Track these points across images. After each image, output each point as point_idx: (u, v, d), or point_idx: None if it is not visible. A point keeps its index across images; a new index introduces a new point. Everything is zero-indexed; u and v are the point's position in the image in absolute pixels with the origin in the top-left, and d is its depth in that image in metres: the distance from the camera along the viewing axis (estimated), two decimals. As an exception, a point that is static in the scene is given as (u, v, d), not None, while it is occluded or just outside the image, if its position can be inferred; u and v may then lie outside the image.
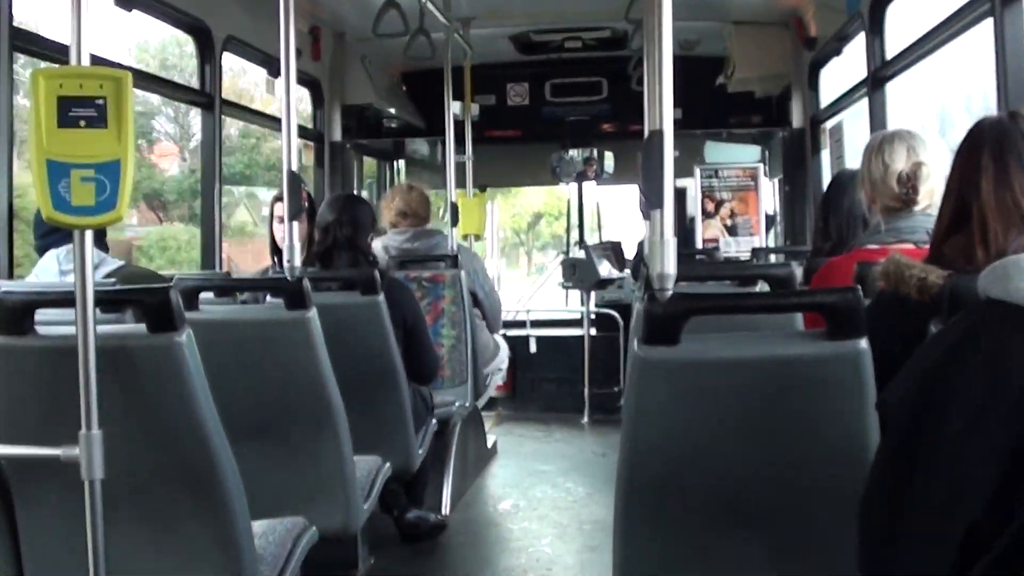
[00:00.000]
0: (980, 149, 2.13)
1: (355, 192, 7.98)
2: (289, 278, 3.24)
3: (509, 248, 32.25)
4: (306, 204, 3.71)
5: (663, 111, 2.15)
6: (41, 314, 2.35)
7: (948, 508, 1.10)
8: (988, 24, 3.70)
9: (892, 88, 5.16)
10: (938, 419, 1.14)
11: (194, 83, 5.58)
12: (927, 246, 2.71)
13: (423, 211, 5.62)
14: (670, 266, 2.13)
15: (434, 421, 4.62)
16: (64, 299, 2.28)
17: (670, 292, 2.11)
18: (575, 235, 9.59)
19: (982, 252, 2.07)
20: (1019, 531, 0.97)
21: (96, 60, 2.35)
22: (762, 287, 3.26)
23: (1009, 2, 3.55)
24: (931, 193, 2.94)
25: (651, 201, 2.14)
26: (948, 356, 1.17)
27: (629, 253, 8.11)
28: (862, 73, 5.49)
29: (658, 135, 2.14)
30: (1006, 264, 1.09)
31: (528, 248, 32.83)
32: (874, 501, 1.33)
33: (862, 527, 1.35)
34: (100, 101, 2.12)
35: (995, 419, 1.05)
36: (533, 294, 9.23)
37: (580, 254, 8.14)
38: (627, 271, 7.95)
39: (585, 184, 9.13)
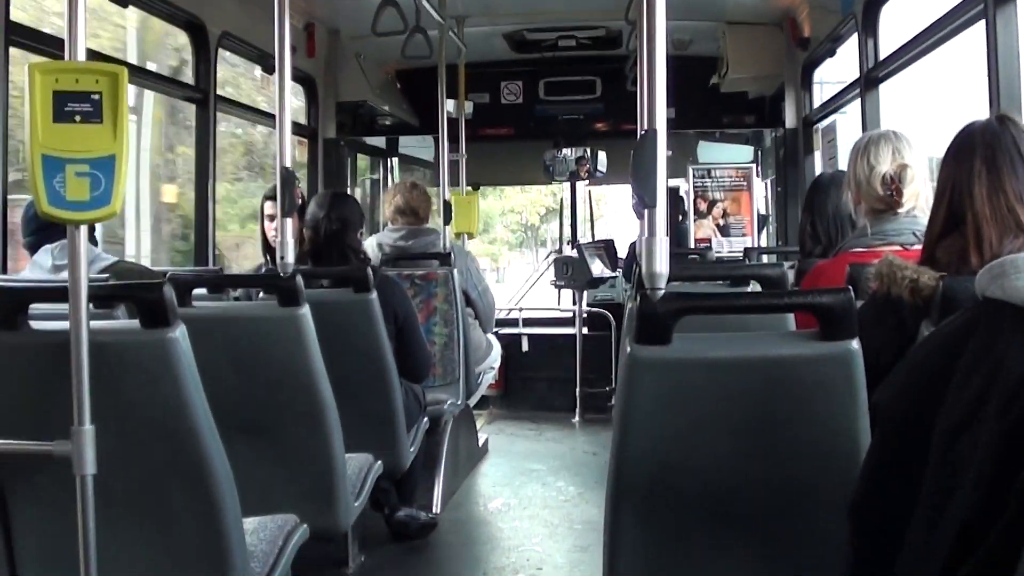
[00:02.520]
0: (972, 154, 2.14)
1: (348, 189, 7.99)
2: (282, 275, 3.24)
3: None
4: (299, 201, 3.71)
5: (656, 111, 2.16)
6: (35, 309, 2.35)
7: (940, 504, 1.11)
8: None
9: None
10: (932, 415, 1.15)
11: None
12: (914, 248, 2.73)
13: (423, 210, 5.62)
14: (662, 265, 2.13)
15: (426, 419, 4.62)
16: (58, 294, 2.27)
17: (662, 291, 2.11)
18: (568, 233, 9.58)
19: (976, 257, 2.09)
20: (1009, 527, 0.98)
21: (92, 55, 2.35)
22: (754, 287, 3.26)
23: (1002, 4, 3.56)
24: (916, 195, 2.95)
25: (643, 201, 2.14)
26: (942, 353, 1.17)
27: (622, 252, 8.12)
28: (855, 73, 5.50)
29: (650, 135, 2.15)
30: (1003, 263, 1.10)
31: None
32: (865, 500, 1.33)
33: (853, 526, 1.35)
34: (96, 96, 2.12)
35: (989, 414, 1.05)
36: (525, 294, 9.23)
37: (572, 253, 8.14)
38: (619, 270, 7.95)
39: (578, 183, 9.13)
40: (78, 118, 2.11)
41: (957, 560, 1.04)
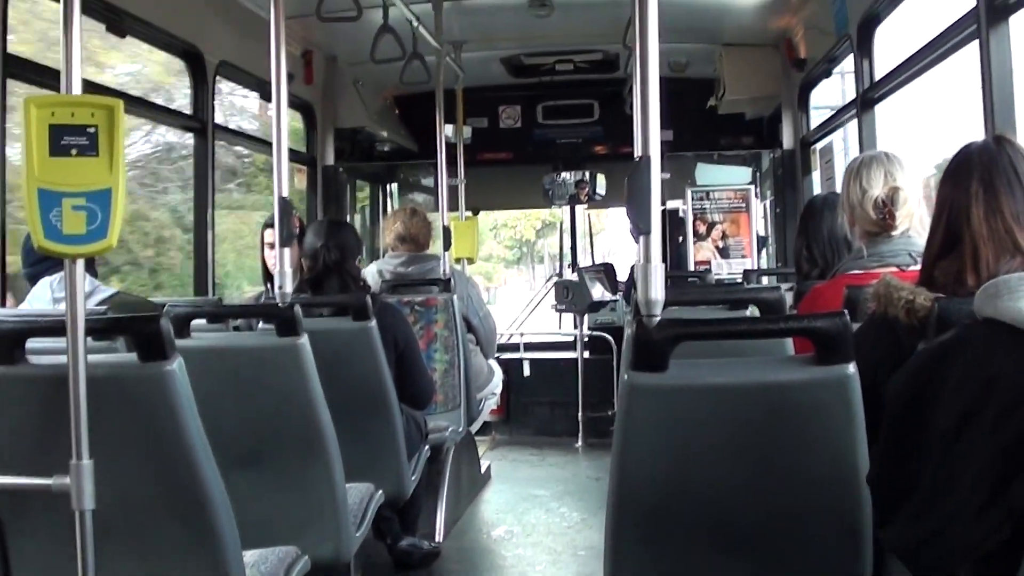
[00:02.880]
0: (969, 175, 2.14)
1: (348, 216, 7.99)
2: (280, 304, 3.24)
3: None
4: (297, 230, 3.71)
5: (649, 136, 2.16)
6: (33, 343, 2.35)
7: (945, 489, 1.13)
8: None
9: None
10: (929, 410, 1.17)
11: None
12: (911, 269, 2.74)
13: (423, 237, 5.62)
14: (658, 291, 2.13)
15: (427, 447, 4.60)
16: (56, 328, 2.27)
17: (658, 317, 2.11)
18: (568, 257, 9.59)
19: (973, 278, 2.09)
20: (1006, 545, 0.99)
21: (88, 86, 2.35)
22: (753, 311, 3.26)
23: (995, 24, 3.57)
24: (910, 216, 2.96)
25: (638, 227, 2.14)
26: (939, 360, 1.19)
27: (623, 275, 8.12)
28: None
29: (644, 162, 2.15)
30: (997, 283, 1.11)
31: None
32: (882, 470, 1.36)
33: (874, 492, 1.40)
34: (92, 129, 2.13)
35: (985, 424, 1.06)
36: (526, 318, 9.22)
37: (573, 276, 8.14)
38: (620, 294, 7.95)
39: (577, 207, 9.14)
40: (74, 151, 2.12)
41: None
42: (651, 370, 2.04)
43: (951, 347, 1.21)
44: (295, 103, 6.96)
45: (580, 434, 7.61)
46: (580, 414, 7.63)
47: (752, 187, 8.08)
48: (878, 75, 5.20)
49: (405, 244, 5.57)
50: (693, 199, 7.90)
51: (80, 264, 2.18)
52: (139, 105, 5.20)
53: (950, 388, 1.16)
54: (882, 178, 2.98)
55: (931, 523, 1.22)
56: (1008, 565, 1.03)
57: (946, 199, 2.20)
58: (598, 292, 7.74)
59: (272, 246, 4.81)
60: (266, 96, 6.28)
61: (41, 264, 3.58)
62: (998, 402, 1.06)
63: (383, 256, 5.87)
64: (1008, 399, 1.05)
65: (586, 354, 7.84)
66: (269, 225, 4.93)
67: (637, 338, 2.07)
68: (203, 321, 3.61)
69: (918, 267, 2.32)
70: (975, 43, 3.69)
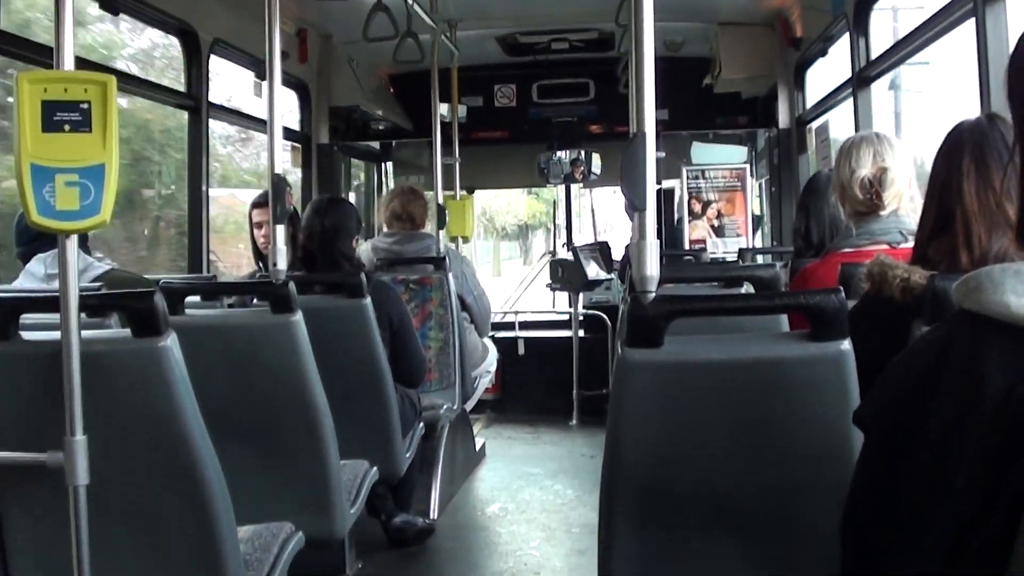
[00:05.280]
0: (961, 152, 2.15)
1: (342, 194, 7.98)
2: (275, 281, 3.24)
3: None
4: (291, 207, 3.71)
5: (644, 114, 2.16)
6: (27, 319, 2.35)
7: (930, 518, 1.11)
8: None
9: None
10: (915, 431, 1.15)
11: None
12: (902, 246, 2.74)
13: (418, 215, 5.61)
14: (653, 268, 2.14)
15: (421, 425, 4.61)
16: (49, 303, 2.27)
17: (653, 294, 2.12)
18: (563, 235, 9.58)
19: (966, 255, 2.09)
20: (993, 533, 0.98)
21: (81, 63, 2.34)
22: (748, 288, 3.26)
23: (991, 2, 3.56)
24: (898, 197, 2.96)
25: (633, 204, 2.14)
26: (924, 367, 1.17)
27: (618, 254, 8.12)
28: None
29: (640, 138, 2.15)
30: (979, 276, 1.09)
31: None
32: (857, 511, 1.33)
33: (844, 535, 1.35)
34: (85, 105, 2.12)
35: (971, 428, 1.05)
36: (520, 296, 9.22)
37: (568, 255, 8.14)
38: (615, 273, 7.95)
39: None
40: (67, 127, 2.11)
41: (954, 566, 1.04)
42: (646, 346, 2.04)
43: (936, 348, 1.18)
44: (289, 81, 6.94)
45: (575, 412, 7.62)
46: (575, 392, 7.64)
47: (747, 166, 8.09)
48: (874, 54, 5.20)
49: (400, 222, 5.56)
50: (688, 178, 7.91)
51: (73, 240, 2.18)
52: (132, 82, 5.18)
53: (940, 392, 1.14)
54: (871, 158, 2.98)
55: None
56: None
57: (938, 176, 2.20)
58: (593, 271, 7.72)
59: (260, 225, 4.82)
60: (260, 74, 6.26)
61: (34, 243, 3.57)
62: (989, 401, 1.05)
63: (377, 234, 5.85)
64: (998, 397, 1.04)
65: (581, 332, 7.85)
66: (257, 204, 4.92)
67: (632, 314, 2.07)
68: (198, 299, 3.61)
69: (909, 245, 2.33)
70: (971, 21, 3.68)
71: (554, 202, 10.11)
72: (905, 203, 2.95)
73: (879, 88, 5.28)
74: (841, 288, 2.10)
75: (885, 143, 3.01)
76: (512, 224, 32.59)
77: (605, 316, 7.84)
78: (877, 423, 1.27)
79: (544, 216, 31.29)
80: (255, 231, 4.94)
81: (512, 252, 33.74)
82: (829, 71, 6.41)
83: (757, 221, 8.04)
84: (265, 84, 3.50)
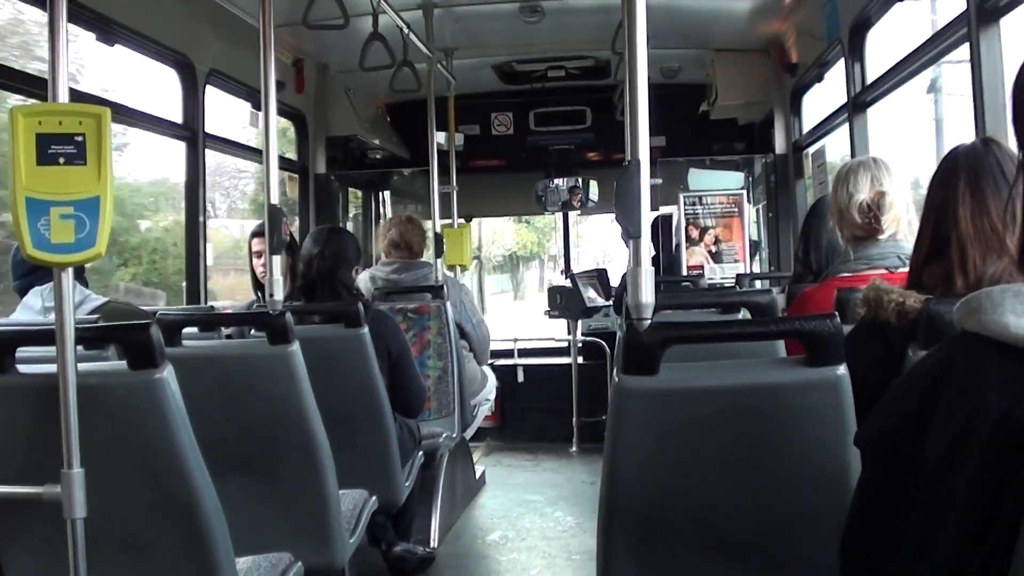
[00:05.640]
0: (956, 177, 2.15)
1: (340, 224, 7.98)
2: (272, 312, 3.23)
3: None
4: (287, 237, 3.71)
5: (639, 142, 2.17)
6: (24, 352, 2.35)
7: (930, 539, 1.10)
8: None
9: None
10: (917, 450, 1.14)
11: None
12: (899, 271, 2.74)
13: (417, 244, 5.62)
14: (648, 295, 2.13)
15: (421, 453, 4.60)
16: (45, 336, 2.27)
17: (648, 321, 2.11)
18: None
19: (961, 279, 2.09)
20: (991, 551, 0.97)
21: (75, 95, 2.35)
22: (745, 314, 3.27)
23: (985, 26, 3.57)
24: (896, 221, 2.97)
25: (628, 231, 2.15)
26: (924, 389, 1.17)
27: (615, 281, 8.11)
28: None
29: (634, 166, 2.15)
30: (979, 297, 1.09)
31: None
32: (855, 537, 1.32)
33: (843, 561, 1.34)
34: (79, 138, 2.13)
35: (970, 448, 1.05)
36: (519, 323, 9.21)
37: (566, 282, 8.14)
38: (612, 299, 7.95)
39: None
40: (62, 160, 2.12)
41: None
42: (641, 373, 2.04)
43: (936, 370, 1.18)
44: (286, 111, 6.96)
45: (574, 439, 7.61)
46: (574, 419, 7.64)
47: (745, 192, 8.09)
48: (869, 79, 5.22)
49: (398, 250, 5.56)
50: (686, 204, 7.90)
51: (69, 273, 2.18)
52: (127, 113, 5.19)
53: (939, 416, 1.14)
54: (868, 183, 2.99)
55: None
56: None
57: (934, 201, 2.20)
58: (591, 297, 7.72)
59: (259, 255, 4.82)
60: (257, 105, 6.27)
61: (31, 276, 3.57)
62: (987, 417, 1.05)
63: (375, 264, 5.86)
64: (996, 418, 1.04)
65: (580, 359, 7.84)
66: (257, 234, 4.93)
67: (627, 341, 2.07)
68: (195, 329, 3.61)
69: (907, 270, 2.33)
70: (966, 46, 3.69)
71: (552, 229, 10.10)
72: (903, 227, 2.96)
73: (873, 112, 5.29)
74: (836, 313, 2.09)
75: (882, 167, 3.02)
76: (498, 255, 32.35)
77: (604, 343, 7.84)
78: (877, 446, 1.27)
79: (535, 247, 31.20)
80: (254, 260, 4.95)
81: (503, 285, 33.49)
82: (826, 96, 6.43)
83: (755, 246, 8.04)
84: (261, 114, 3.50)
